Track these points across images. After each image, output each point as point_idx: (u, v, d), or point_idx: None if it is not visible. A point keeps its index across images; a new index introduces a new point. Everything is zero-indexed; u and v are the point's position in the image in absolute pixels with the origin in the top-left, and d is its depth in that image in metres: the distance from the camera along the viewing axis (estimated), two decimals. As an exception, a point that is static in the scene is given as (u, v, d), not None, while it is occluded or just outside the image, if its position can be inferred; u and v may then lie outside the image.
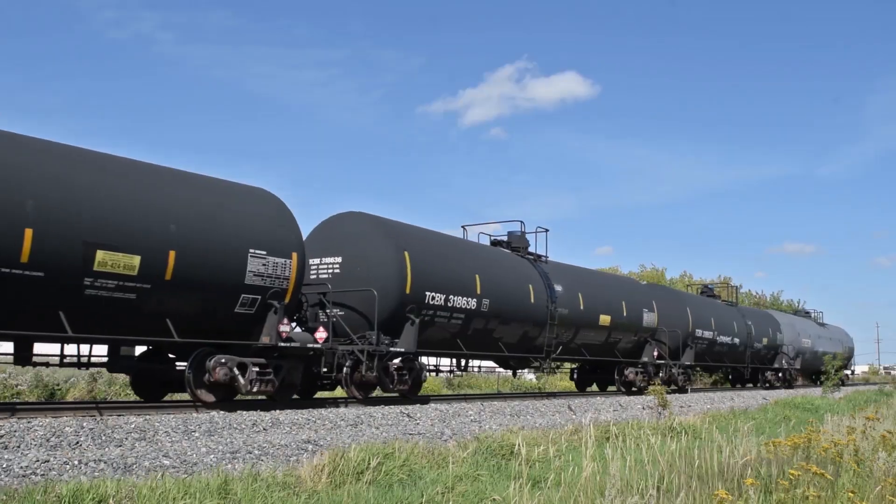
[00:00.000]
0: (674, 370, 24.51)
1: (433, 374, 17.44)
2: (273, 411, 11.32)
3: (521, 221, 20.02)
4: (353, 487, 6.93)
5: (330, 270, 14.63)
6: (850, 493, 5.55)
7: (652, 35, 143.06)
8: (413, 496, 6.68)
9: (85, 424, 8.52)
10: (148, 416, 9.57)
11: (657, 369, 23.57)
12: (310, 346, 12.57)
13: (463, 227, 19.52)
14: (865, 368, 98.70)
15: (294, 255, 12.21)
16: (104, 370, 13.75)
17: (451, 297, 15.23)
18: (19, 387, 19.96)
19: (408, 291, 14.15)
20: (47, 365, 11.16)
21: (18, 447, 7.56)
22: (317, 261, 14.75)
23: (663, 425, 12.54)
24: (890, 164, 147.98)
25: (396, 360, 14.42)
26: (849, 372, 45.17)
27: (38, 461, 6.94)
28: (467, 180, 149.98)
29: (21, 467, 6.70)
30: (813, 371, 42.10)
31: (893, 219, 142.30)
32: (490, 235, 19.85)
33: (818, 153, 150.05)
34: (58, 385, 20.49)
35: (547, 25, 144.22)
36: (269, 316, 11.83)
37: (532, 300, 17.85)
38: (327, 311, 13.84)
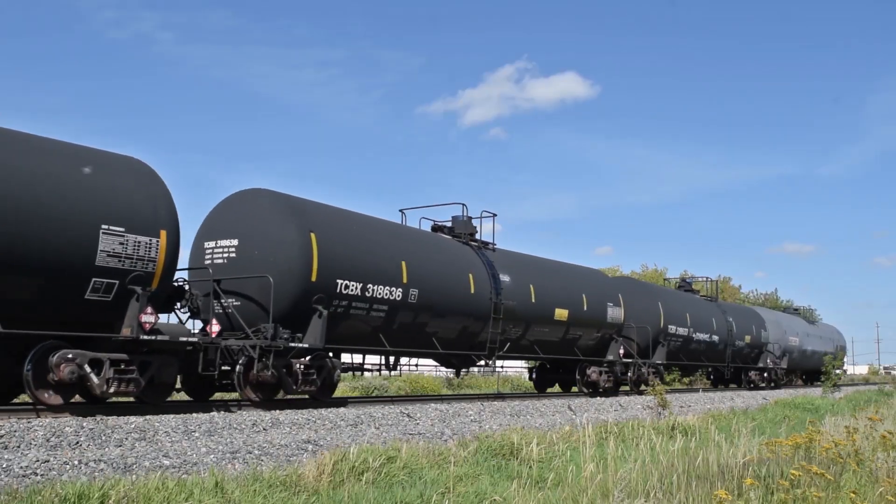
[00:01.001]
0: (643, 370, 22.80)
1: (360, 374, 15.85)
2: (273, 411, 11.32)
3: (464, 204, 18.01)
4: (354, 488, 6.92)
5: (225, 255, 12.76)
6: (851, 494, 5.55)
7: (652, 35, 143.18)
8: (413, 496, 6.67)
9: (85, 424, 8.52)
10: (148, 416, 9.57)
11: (625, 368, 22.04)
12: (183, 339, 10.88)
13: (401, 210, 17.65)
14: (865, 369, 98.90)
15: (163, 233, 10.50)
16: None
17: (371, 286, 13.46)
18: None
19: (314, 279, 12.42)
20: None
21: (18, 447, 7.56)
22: (212, 244, 12.91)
23: (664, 425, 12.54)
24: (890, 164, 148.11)
25: (305, 358, 12.73)
26: (839, 371, 42.87)
27: (38, 461, 6.94)
28: (467, 180, 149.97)
29: (21, 467, 6.70)
30: (803, 370, 41.03)
31: (894, 219, 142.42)
32: (433, 220, 17.92)
33: (819, 153, 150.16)
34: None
35: (546, 26, 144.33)
36: (130, 304, 10.19)
37: (472, 291, 16.07)
38: (222, 301, 12.32)
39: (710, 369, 31.42)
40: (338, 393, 23.24)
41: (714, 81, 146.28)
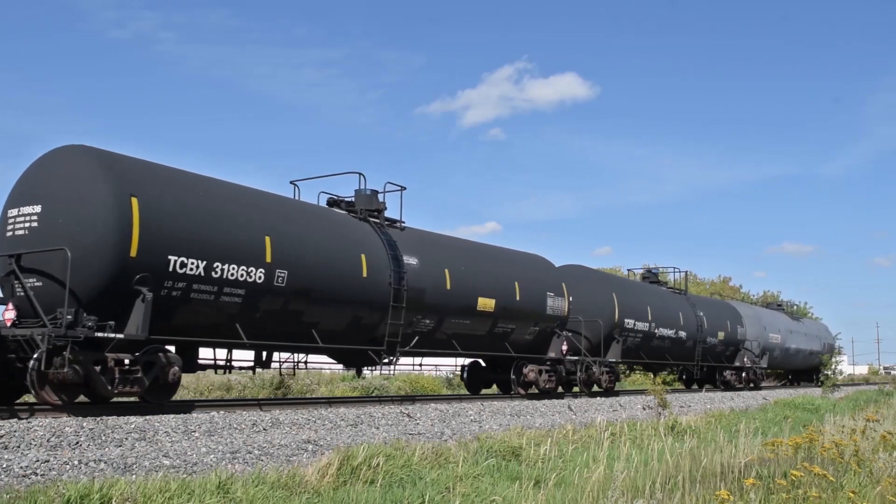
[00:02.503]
0: (594, 368, 20.35)
1: (227, 371, 13.05)
2: (273, 411, 11.31)
3: (361, 174, 15.29)
4: (354, 487, 6.92)
5: (27, 225, 10.47)
6: (850, 494, 5.54)
7: (652, 35, 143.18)
8: (414, 496, 6.67)
9: (85, 424, 8.52)
10: (148, 417, 9.57)
11: (573, 367, 19.70)
12: None
13: (292, 182, 15.05)
14: (865, 369, 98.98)
15: None
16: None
17: (219, 265, 11.13)
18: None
19: (133, 254, 10.13)
20: None
21: (18, 447, 7.55)
22: (15, 212, 10.65)
23: (664, 425, 12.54)
24: (891, 164, 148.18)
25: (134, 353, 10.40)
26: (829, 372, 40.52)
27: (38, 461, 6.94)
28: (467, 180, 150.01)
29: (21, 467, 6.70)
30: (788, 370, 38.78)
31: (893, 219, 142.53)
32: (332, 195, 15.44)
33: (819, 153, 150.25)
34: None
35: (546, 27, 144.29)
36: None
37: (365, 275, 13.67)
38: (22, 280, 10.23)
39: (679, 368, 28.33)
40: (337, 392, 23.21)
41: (714, 81, 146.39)
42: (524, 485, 5.99)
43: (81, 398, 10.47)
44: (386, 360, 14.97)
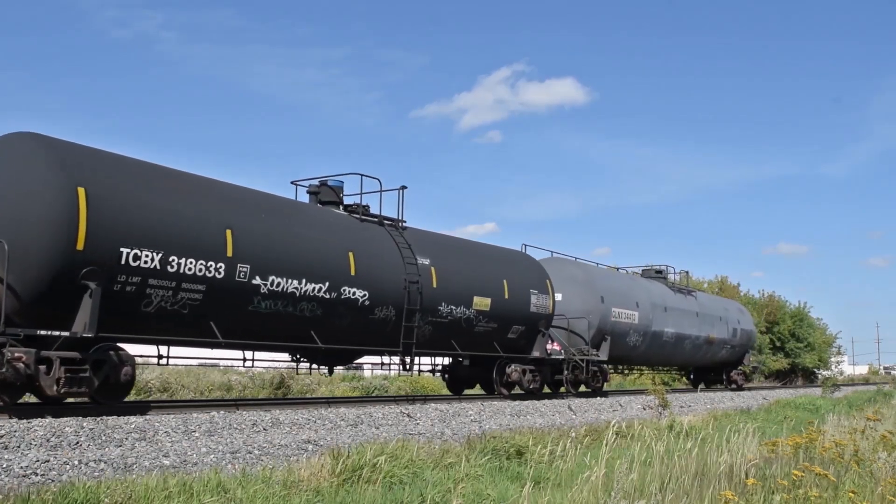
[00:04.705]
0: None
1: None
2: (273, 411, 11.31)
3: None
4: (354, 487, 6.92)
5: None
6: (850, 493, 5.54)
7: (650, 35, 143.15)
8: (414, 496, 6.67)
9: (85, 424, 8.51)
10: (148, 417, 9.56)
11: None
12: None
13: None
14: (865, 369, 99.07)
15: None
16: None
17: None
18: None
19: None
20: None
21: (18, 447, 7.55)
22: None
23: (664, 425, 12.54)
24: (892, 164, 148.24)
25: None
26: (747, 369, 31.35)
27: (38, 461, 6.94)
28: (468, 180, 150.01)
29: (21, 467, 6.70)
30: (669, 366, 28.48)
31: (889, 220, 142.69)
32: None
33: (822, 152, 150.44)
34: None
35: (545, 29, 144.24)
36: None
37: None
38: None
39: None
40: (337, 392, 23.16)
41: (714, 81, 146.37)
42: (526, 485, 5.98)
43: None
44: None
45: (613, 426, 8.67)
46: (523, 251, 19.62)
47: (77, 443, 7.98)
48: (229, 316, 11.51)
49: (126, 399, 11.27)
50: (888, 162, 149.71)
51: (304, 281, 12.35)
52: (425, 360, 17.41)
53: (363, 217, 14.59)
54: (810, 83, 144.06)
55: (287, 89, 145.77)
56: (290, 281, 12.14)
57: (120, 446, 8.15)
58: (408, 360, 15.17)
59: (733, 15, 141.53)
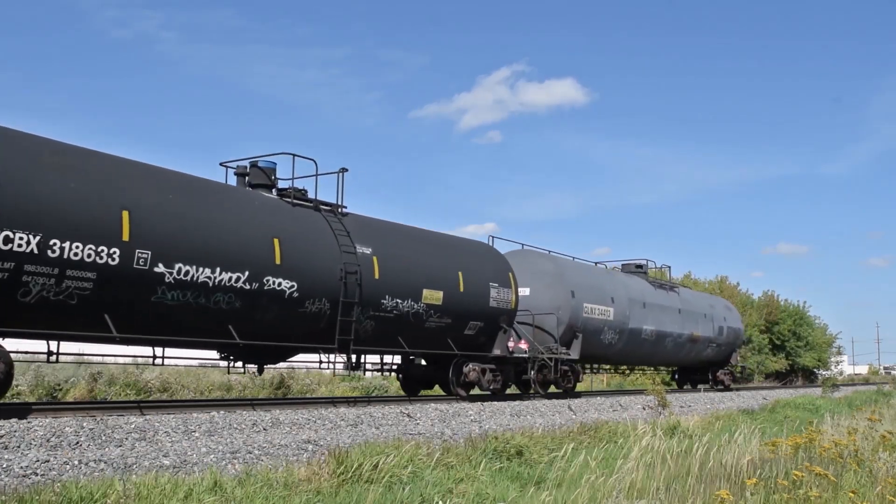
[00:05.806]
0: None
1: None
2: (273, 411, 11.30)
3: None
4: (354, 487, 6.92)
5: None
6: (850, 493, 5.54)
7: (650, 35, 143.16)
8: (414, 496, 6.67)
9: (85, 424, 8.51)
10: (148, 417, 9.57)
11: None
12: None
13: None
14: (865, 369, 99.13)
15: None
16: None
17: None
18: (19, 387, 19.94)
19: None
20: None
21: (18, 447, 7.55)
22: None
23: (664, 425, 12.53)
24: (892, 164, 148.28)
25: None
26: (736, 369, 30.46)
27: (38, 461, 6.94)
28: (468, 180, 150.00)
29: (21, 467, 6.70)
30: (649, 365, 27.09)
31: (888, 220, 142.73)
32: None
33: (822, 152, 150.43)
34: (59, 385, 20.48)
35: (545, 29, 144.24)
36: None
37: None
38: None
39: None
40: (337, 392, 23.20)
41: (714, 81, 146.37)
42: (526, 485, 5.99)
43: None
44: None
45: (612, 426, 8.67)
46: (490, 243, 18.47)
47: (77, 443, 7.98)
48: (127, 308, 10.35)
49: (121, 399, 11.25)
50: (888, 162, 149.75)
51: (217, 270, 11.16)
52: (374, 358, 16.10)
53: (296, 201, 13.30)
54: (810, 83, 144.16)
55: (287, 89, 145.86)
56: (200, 269, 10.93)
57: (120, 446, 8.15)
58: (349, 358, 13.77)
59: (733, 15, 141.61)
